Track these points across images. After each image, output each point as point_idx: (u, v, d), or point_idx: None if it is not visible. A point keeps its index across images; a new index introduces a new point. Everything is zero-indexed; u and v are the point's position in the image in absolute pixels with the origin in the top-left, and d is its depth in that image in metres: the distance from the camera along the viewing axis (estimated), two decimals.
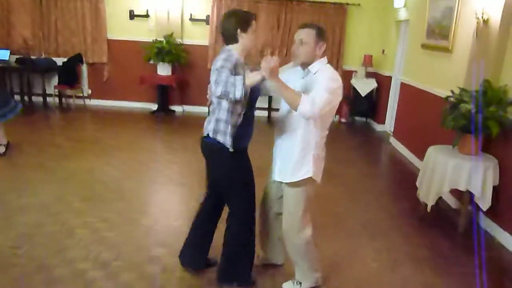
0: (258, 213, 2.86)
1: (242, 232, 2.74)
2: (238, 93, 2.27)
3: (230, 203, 2.74)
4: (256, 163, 2.77)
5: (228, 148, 2.50)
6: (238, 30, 2.46)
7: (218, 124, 2.51)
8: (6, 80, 7.80)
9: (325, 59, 2.59)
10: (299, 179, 2.55)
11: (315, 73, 2.50)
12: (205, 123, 2.63)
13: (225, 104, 2.46)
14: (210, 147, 2.59)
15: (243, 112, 2.50)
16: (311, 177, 2.55)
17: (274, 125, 2.77)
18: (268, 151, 2.86)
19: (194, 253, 2.99)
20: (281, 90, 2.37)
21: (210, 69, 2.48)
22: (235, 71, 2.39)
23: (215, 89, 2.34)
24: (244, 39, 2.49)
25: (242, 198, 2.70)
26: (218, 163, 2.64)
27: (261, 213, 2.94)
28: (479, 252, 3.57)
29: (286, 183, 2.62)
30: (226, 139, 2.49)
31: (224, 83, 2.29)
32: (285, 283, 2.92)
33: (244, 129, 2.55)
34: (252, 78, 2.31)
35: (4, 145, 5.15)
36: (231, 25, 2.46)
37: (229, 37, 2.50)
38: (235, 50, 2.49)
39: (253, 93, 2.46)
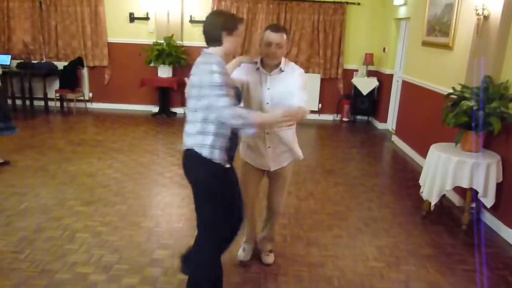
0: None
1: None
2: (236, 123, 2.20)
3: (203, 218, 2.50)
4: None
5: (219, 163, 2.30)
6: (224, 32, 2.28)
7: (205, 138, 2.27)
8: (7, 86, 7.80)
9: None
10: (293, 159, 3.01)
11: (283, 70, 2.73)
12: (185, 136, 2.37)
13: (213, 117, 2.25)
14: (196, 161, 2.31)
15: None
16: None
17: None
18: None
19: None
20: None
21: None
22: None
23: (215, 105, 2.17)
24: (228, 42, 2.31)
25: (218, 216, 2.43)
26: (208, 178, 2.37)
27: (249, 206, 2.99)
28: (482, 249, 3.54)
29: (284, 166, 2.96)
30: (214, 153, 2.27)
31: (233, 113, 2.16)
32: (266, 257, 3.20)
33: (233, 139, 2.38)
34: (270, 118, 2.36)
35: None
36: (217, 25, 2.28)
37: (212, 39, 2.31)
38: (217, 54, 2.30)
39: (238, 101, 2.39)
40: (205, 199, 2.41)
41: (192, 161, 2.35)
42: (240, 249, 3.24)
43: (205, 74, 2.22)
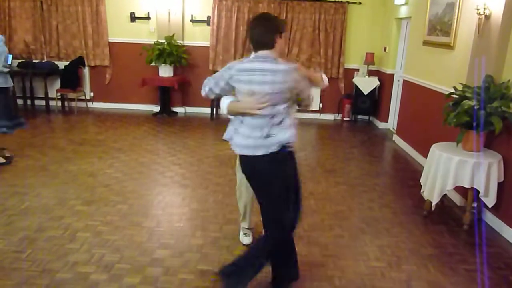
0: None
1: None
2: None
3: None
4: None
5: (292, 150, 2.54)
6: (277, 36, 2.41)
7: (287, 130, 2.46)
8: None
9: None
10: None
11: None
12: (263, 134, 2.44)
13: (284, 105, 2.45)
14: (283, 156, 2.49)
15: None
16: None
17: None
18: None
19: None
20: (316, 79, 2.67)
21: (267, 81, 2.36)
22: None
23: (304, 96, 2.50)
24: (279, 44, 2.44)
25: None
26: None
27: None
28: (483, 249, 3.54)
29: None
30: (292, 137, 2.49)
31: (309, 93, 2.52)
32: (244, 238, 3.42)
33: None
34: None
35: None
36: (271, 29, 2.40)
37: (266, 43, 2.41)
38: (272, 56, 2.43)
39: None
40: None
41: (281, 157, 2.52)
42: (241, 234, 3.48)
43: (286, 74, 2.38)
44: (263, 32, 2.40)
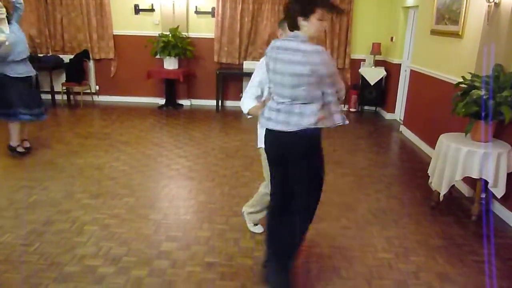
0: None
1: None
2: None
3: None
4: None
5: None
6: (301, 17, 2.32)
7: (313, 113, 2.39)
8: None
9: None
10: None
11: None
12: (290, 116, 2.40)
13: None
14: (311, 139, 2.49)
15: None
16: None
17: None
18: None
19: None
20: None
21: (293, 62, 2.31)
22: None
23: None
24: (306, 26, 2.35)
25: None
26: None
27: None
28: (492, 240, 3.51)
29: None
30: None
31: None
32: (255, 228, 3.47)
33: None
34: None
35: (21, 146, 5.19)
36: (293, 9, 2.34)
37: (294, 24, 2.36)
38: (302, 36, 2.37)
39: None
40: None
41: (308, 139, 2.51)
42: (251, 225, 3.50)
43: (325, 63, 2.36)
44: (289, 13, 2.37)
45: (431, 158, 4.27)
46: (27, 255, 3.06)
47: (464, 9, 4.81)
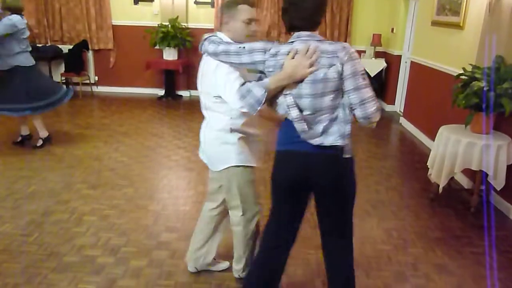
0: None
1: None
2: None
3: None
4: None
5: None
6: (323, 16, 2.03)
7: (344, 126, 2.19)
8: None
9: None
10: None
11: None
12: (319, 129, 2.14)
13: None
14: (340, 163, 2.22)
15: None
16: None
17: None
18: None
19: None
20: None
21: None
22: None
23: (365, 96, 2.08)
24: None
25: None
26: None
27: None
28: (491, 232, 3.51)
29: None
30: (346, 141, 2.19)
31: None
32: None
33: None
34: None
35: (42, 139, 5.16)
36: (321, 8, 2.00)
37: (316, 23, 2.01)
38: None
39: None
40: None
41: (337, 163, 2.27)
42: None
43: (354, 62, 1.98)
44: (313, 12, 2.00)
45: (430, 150, 4.26)
46: (27, 245, 3.06)
47: (465, 0, 4.78)
